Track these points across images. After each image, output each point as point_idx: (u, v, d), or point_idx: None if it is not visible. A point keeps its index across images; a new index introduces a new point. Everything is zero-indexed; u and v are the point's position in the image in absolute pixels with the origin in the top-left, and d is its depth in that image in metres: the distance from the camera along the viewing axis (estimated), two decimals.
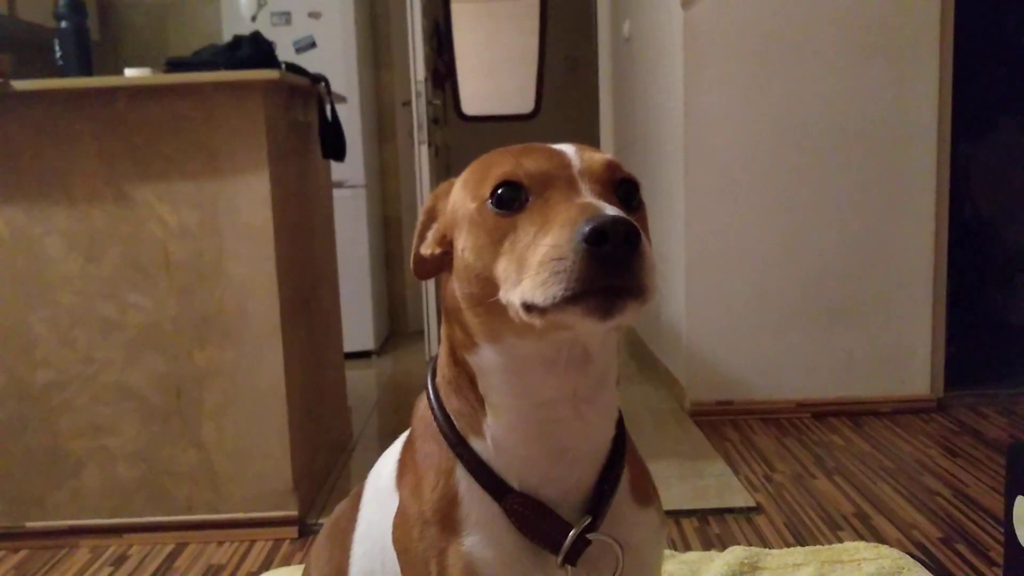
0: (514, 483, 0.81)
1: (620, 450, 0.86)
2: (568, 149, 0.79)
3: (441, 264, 0.85)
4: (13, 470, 2.25)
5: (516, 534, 0.81)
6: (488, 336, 0.78)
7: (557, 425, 0.80)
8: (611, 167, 0.79)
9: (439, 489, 0.82)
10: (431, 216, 0.87)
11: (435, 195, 0.88)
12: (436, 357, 0.89)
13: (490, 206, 0.76)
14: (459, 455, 0.82)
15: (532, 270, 0.69)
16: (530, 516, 0.80)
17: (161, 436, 2.24)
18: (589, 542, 0.81)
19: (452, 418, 0.84)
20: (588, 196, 0.73)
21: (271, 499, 2.27)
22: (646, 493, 0.89)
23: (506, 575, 0.80)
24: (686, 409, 3.17)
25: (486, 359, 0.80)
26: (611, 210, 0.69)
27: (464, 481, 0.82)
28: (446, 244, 0.82)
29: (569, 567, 0.80)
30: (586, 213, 0.68)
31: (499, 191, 0.76)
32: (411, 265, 0.89)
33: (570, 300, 0.67)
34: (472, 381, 0.82)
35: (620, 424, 0.87)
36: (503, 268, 0.73)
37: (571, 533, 0.80)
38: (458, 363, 0.83)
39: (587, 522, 0.81)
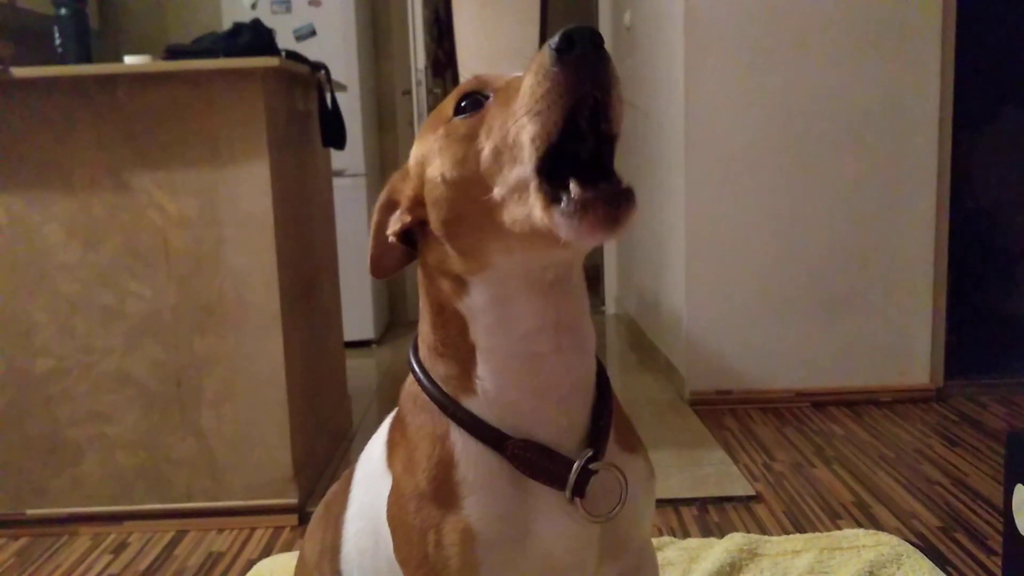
0: (509, 434, 0.81)
1: (605, 389, 0.87)
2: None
3: (405, 256, 0.87)
4: (13, 458, 2.26)
5: (515, 488, 0.81)
6: (477, 262, 0.78)
7: (539, 361, 0.80)
8: None
9: (435, 455, 0.82)
10: (391, 206, 0.87)
11: (390, 184, 0.88)
12: (415, 339, 0.90)
13: (455, 119, 0.77)
14: (452, 415, 0.83)
15: (524, 111, 0.69)
16: (533, 458, 0.81)
17: (161, 424, 2.25)
18: (593, 472, 0.81)
19: (440, 384, 0.84)
20: None
21: (271, 487, 2.27)
22: (631, 441, 0.90)
23: (507, 531, 0.80)
24: (686, 398, 3.17)
25: (476, 296, 0.80)
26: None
27: (460, 441, 0.82)
28: (417, 209, 0.83)
29: (579, 500, 0.81)
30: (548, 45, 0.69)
31: (461, 104, 0.77)
32: (369, 263, 0.89)
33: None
34: (462, 335, 0.82)
35: (600, 365, 0.88)
36: (490, 158, 0.73)
37: (576, 464, 0.80)
38: (445, 323, 0.83)
39: (589, 454, 0.82)
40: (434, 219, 0.80)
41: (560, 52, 0.67)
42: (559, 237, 0.68)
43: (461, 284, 0.81)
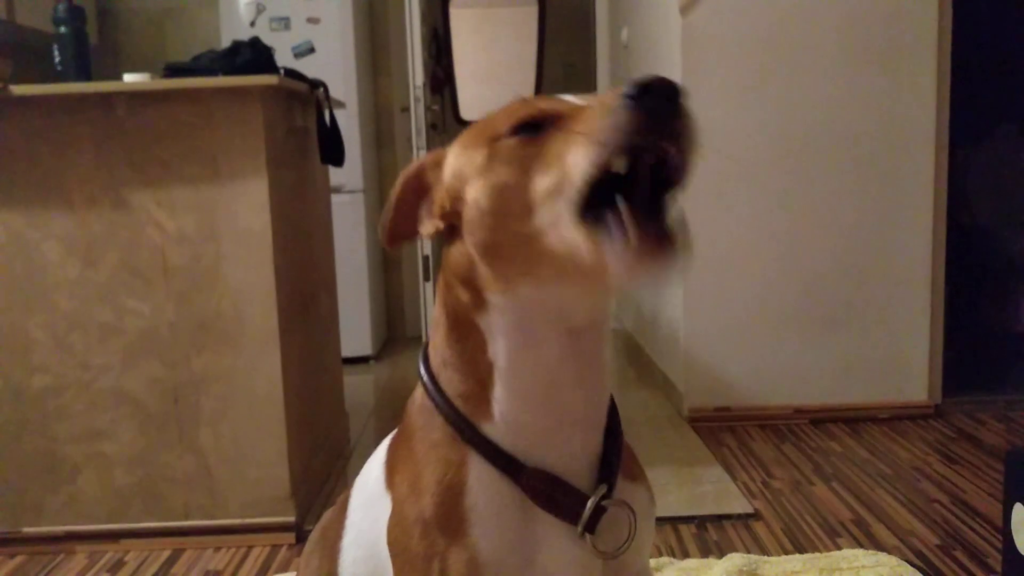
0: (522, 460, 0.80)
1: (616, 419, 0.86)
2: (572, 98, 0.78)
3: (414, 233, 0.84)
4: (10, 475, 2.25)
5: (523, 517, 0.80)
6: (504, 282, 0.76)
7: (559, 388, 0.79)
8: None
9: (446, 480, 0.80)
10: (420, 187, 0.84)
11: (421, 164, 0.84)
12: (426, 348, 0.87)
13: (506, 141, 0.74)
14: (469, 440, 0.80)
15: (585, 139, 0.66)
16: (547, 490, 0.80)
17: (158, 442, 2.24)
18: (604, 509, 0.81)
19: (455, 403, 0.82)
20: None
21: (268, 505, 2.27)
22: (633, 469, 0.89)
23: (514, 561, 0.79)
24: (684, 415, 3.17)
25: (496, 315, 0.78)
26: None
27: (476, 468, 0.80)
28: (449, 216, 0.80)
29: (588, 535, 0.80)
30: (621, 89, 0.66)
31: (516, 129, 0.74)
32: (382, 234, 0.85)
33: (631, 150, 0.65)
34: (480, 350, 0.80)
35: (611, 399, 0.87)
36: (542, 187, 0.70)
37: (590, 501, 0.80)
38: (462, 337, 0.81)
39: (604, 491, 0.81)
40: (471, 240, 0.77)
41: (633, 99, 0.65)
42: (605, 269, 0.66)
43: (481, 299, 0.79)
